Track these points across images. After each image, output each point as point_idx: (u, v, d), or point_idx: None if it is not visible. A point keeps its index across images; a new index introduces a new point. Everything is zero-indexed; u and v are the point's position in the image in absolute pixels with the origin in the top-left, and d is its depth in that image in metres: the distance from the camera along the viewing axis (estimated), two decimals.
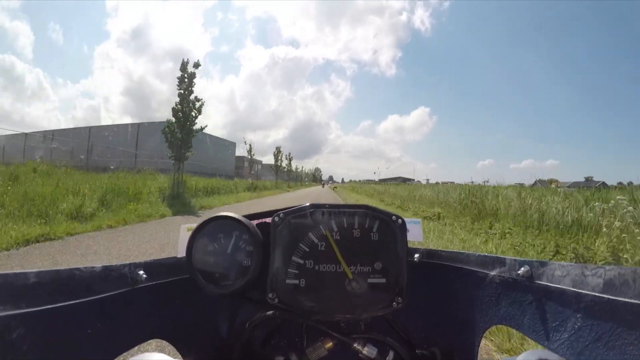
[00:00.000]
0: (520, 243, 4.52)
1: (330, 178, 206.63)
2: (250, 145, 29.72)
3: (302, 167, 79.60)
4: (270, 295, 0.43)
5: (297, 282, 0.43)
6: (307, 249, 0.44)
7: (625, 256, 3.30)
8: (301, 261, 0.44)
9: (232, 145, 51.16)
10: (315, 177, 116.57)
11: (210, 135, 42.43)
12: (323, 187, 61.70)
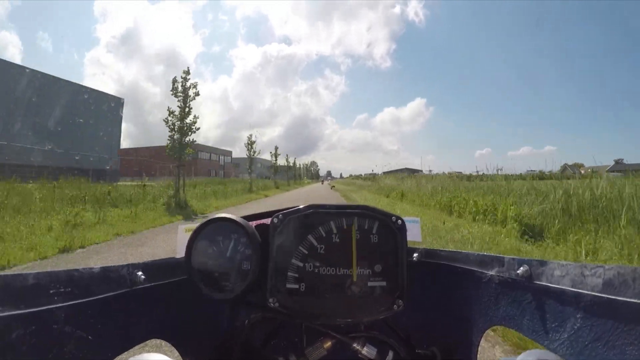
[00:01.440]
0: None
1: (329, 174, 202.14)
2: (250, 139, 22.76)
3: (297, 162, 69.39)
4: (270, 300, 0.44)
5: (297, 286, 0.44)
6: (307, 252, 0.45)
7: None
8: (301, 264, 0.44)
9: (118, 104, 25.82)
10: (311, 173, 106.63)
11: (72, 83, 21.91)
12: (322, 183, 61.11)
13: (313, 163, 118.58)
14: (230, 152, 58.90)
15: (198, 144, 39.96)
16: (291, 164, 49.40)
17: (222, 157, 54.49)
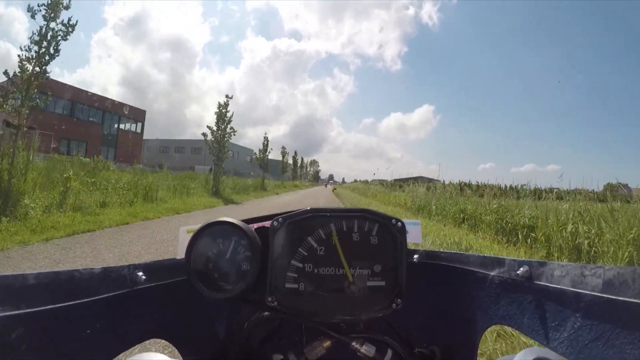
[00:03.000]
0: None
1: (331, 177, 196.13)
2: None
3: (298, 158, 58.91)
4: (269, 299, 0.46)
5: (296, 286, 0.46)
6: (306, 253, 0.46)
7: None
8: (300, 265, 0.46)
9: None
10: (310, 174, 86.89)
11: None
12: (326, 187, 55.45)
13: (314, 162, 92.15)
14: (144, 114, 31.28)
15: (57, 82, 19.19)
16: (288, 161, 35.41)
17: (121, 122, 27.94)
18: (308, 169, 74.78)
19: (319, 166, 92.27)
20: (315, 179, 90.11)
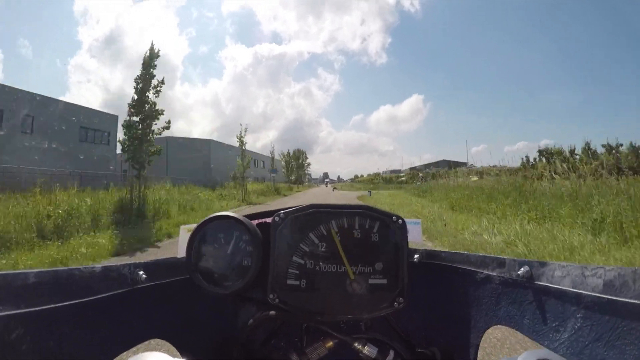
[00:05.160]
0: None
1: (326, 175, 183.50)
2: None
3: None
4: (271, 295, 0.46)
5: (297, 282, 0.46)
6: (308, 249, 0.47)
7: None
8: (302, 261, 0.47)
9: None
10: (297, 172, 53.55)
11: None
12: (327, 186, 52.69)
13: (299, 152, 56.50)
14: None
15: None
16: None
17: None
18: (291, 165, 50.03)
19: (307, 158, 56.98)
20: (301, 178, 56.82)
